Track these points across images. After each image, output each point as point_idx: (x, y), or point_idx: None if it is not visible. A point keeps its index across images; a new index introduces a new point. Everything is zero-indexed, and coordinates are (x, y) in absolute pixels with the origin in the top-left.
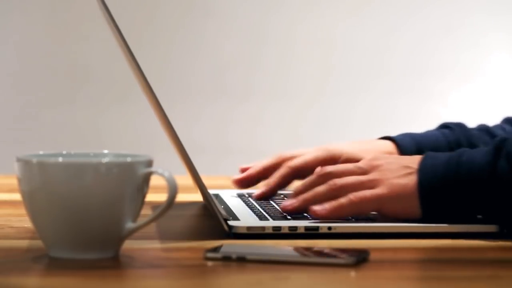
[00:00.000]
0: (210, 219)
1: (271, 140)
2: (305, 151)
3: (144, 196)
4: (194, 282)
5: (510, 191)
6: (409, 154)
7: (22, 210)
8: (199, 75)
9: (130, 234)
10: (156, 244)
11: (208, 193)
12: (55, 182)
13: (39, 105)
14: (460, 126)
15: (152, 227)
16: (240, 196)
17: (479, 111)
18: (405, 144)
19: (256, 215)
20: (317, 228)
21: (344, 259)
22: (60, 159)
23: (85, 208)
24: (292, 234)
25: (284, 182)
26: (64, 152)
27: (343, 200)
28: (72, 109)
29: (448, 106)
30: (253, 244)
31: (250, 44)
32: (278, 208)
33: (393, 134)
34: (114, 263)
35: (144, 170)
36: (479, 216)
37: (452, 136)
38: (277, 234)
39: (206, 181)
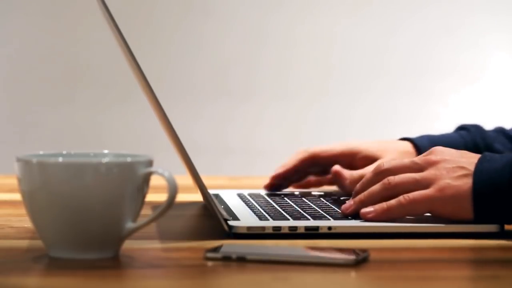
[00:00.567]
0: (210, 219)
1: (271, 140)
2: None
3: (144, 196)
4: (194, 282)
5: None
6: None
7: (22, 210)
8: (199, 75)
9: (130, 234)
10: (156, 244)
11: (208, 193)
12: (55, 182)
13: (39, 105)
14: (476, 127)
15: (152, 227)
16: (240, 196)
17: (479, 111)
18: (423, 146)
19: (256, 215)
20: (317, 228)
21: (344, 259)
22: (60, 159)
23: (85, 208)
24: (292, 234)
25: (301, 165)
26: (64, 152)
27: (393, 202)
28: (72, 109)
29: (448, 106)
30: (253, 244)
31: (250, 44)
32: (278, 208)
33: (393, 134)
34: (114, 263)
35: (144, 170)
36: None
37: (469, 136)
38: (277, 234)
39: (206, 181)
